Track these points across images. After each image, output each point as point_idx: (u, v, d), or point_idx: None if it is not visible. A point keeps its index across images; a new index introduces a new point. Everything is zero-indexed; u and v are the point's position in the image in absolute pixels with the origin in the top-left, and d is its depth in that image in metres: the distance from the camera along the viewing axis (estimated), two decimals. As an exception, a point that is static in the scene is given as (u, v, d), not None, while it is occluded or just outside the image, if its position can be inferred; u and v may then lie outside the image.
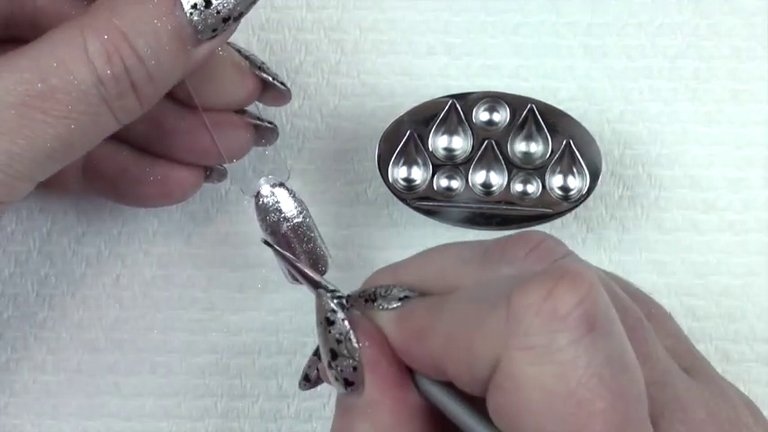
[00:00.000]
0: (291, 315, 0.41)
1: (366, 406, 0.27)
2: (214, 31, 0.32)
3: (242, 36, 0.42)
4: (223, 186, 0.42)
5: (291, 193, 0.38)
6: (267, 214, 0.37)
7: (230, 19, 0.32)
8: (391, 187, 0.40)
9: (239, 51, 0.36)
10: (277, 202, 0.37)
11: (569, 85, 0.42)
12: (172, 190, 0.38)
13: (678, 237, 0.42)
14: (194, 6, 0.31)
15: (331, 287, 0.29)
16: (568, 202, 0.40)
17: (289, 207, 0.37)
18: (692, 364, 0.27)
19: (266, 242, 0.33)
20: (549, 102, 0.40)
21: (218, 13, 0.31)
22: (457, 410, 0.26)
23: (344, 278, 0.41)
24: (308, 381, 0.33)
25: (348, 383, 0.27)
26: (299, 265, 0.30)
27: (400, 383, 0.27)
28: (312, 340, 0.41)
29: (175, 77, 0.32)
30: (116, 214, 0.42)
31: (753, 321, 0.41)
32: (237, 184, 0.38)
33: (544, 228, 0.41)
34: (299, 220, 0.37)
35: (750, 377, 0.41)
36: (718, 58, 0.42)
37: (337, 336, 0.27)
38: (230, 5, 0.31)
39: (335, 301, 0.28)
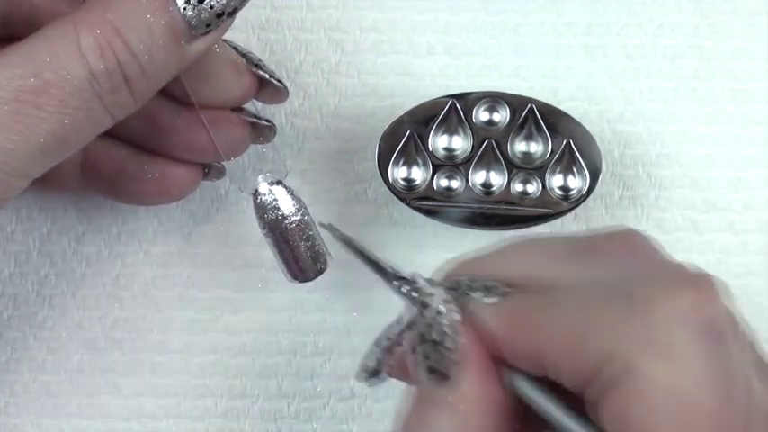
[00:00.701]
0: (291, 315, 0.41)
1: (455, 400, 0.26)
2: (208, 26, 0.32)
3: (242, 36, 0.42)
4: (223, 186, 0.42)
5: (290, 191, 0.38)
6: (265, 212, 0.37)
7: (224, 14, 0.32)
8: (391, 187, 0.40)
9: (236, 49, 0.36)
10: (275, 199, 0.37)
11: (569, 85, 0.42)
12: (170, 188, 0.38)
13: (678, 237, 0.42)
14: (188, 2, 0.31)
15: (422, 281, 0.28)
16: (568, 202, 0.40)
17: (287, 205, 0.37)
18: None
19: (327, 226, 0.31)
20: (549, 102, 0.40)
21: (211, 8, 0.31)
22: (550, 406, 0.26)
23: (344, 278, 0.41)
24: (376, 376, 0.31)
25: (443, 377, 0.26)
26: (379, 261, 0.29)
27: (493, 380, 0.27)
28: (312, 340, 0.41)
29: (169, 73, 0.32)
30: (116, 213, 0.42)
31: (753, 321, 0.41)
32: (235, 181, 0.38)
33: (544, 228, 0.41)
34: (298, 218, 0.37)
35: (750, 377, 0.41)
36: (718, 58, 0.42)
37: (445, 328, 0.26)
38: (224, 1, 0.31)
39: (442, 291, 0.27)
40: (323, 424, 0.41)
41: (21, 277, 0.42)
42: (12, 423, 0.41)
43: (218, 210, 0.42)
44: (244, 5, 0.32)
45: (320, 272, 0.38)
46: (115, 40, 0.30)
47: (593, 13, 0.42)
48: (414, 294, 0.27)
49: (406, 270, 0.28)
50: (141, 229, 0.42)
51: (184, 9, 0.31)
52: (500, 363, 0.27)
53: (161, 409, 0.41)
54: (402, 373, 0.30)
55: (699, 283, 0.24)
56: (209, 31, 0.32)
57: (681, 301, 0.24)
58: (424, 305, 0.27)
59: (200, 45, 0.32)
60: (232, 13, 0.32)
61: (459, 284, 0.27)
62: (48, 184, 0.39)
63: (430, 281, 0.27)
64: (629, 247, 0.27)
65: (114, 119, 0.32)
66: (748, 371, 0.25)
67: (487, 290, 0.27)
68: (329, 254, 0.38)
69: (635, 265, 0.26)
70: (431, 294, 0.27)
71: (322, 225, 0.32)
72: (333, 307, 0.42)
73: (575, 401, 0.26)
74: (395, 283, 0.28)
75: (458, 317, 0.26)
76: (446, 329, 0.26)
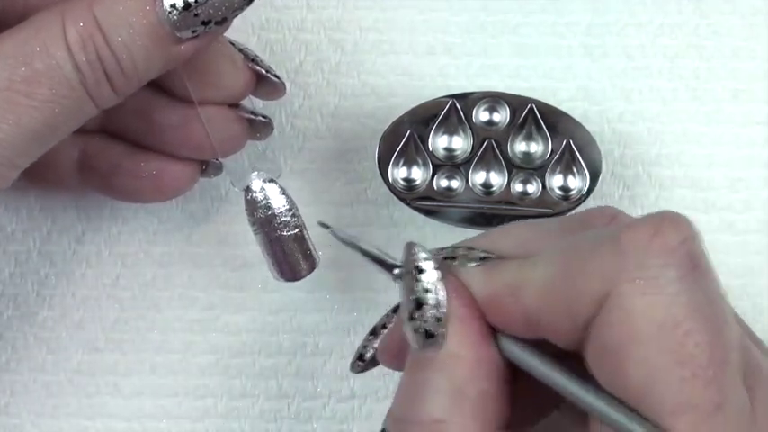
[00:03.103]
0: (291, 315, 0.41)
1: (444, 359, 0.27)
2: (194, 32, 0.31)
3: (242, 36, 0.42)
4: (223, 186, 0.42)
5: (282, 189, 0.37)
6: (256, 209, 0.37)
7: (211, 22, 0.32)
8: (391, 187, 0.40)
9: (233, 44, 0.36)
10: (266, 197, 0.37)
11: (569, 85, 0.42)
12: (166, 185, 0.38)
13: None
14: (173, 6, 0.31)
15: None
16: (568, 203, 0.40)
17: (278, 203, 0.37)
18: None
19: (321, 224, 0.32)
20: (549, 102, 0.40)
21: (196, 15, 0.31)
22: (543, 367, 0.26)
23: (344, 278, 0.41)
24: (363, 361, 0.33)
25: (429, 335, 0.27)
26: (363, 246, 0.30)
27: (482, 339, 0.27)
28: (312, 340, 0.41)
29: (152, 72, 0.32)
30: (116, 213, 0.42)
31: (753, 321, 0.41)
32: (229, 176, 0.38)
33: (544, 228, 0.41)
34: (288, 217, 0.37)
35: (750, 377, 0.41)
36: (718, 58, 0.42)
37: (426, 284, 0.27)
38: (211, 10, 0.31)
39: (425, 253, 0.28)
40: (323, 424, 0.41)
41: (21, 277, 0.42)
42: (12, 423, 0.41)
43: (218, 210, 0.42)
44: (235, 15, 0.32)
45: (308, 272, 0.37)
46: (96, 35, 0.30)
47: (593, 13, 0.42)
48: (418, 256, 0.28)
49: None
50: (141, 229, 0.42)
51: (170, 13, 0.31)
52: (493, 328, 0.27)
53: (161, 409, 0.41)
54: (391, 360, 0.30)
55: (679, 222, 0.25)
56: (197, 36, 0.32)
57: (664, 237, 0.24)
58: (420, 269, 0.28)
59: (187, 48, 0.32)
60: (221, 22, 0.32)
61: (455, 253, 0.28)
62: (45, 182, 0.39)
63: (424, 249, 0.28)
64: (617, 221, 0.28)
65: (99, 108, 0.32)
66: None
67: (478, 258, 0.28)
68: (318, 254, 0.38)
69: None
70: (418, 258, 0.28)
71: (320, 224, 0.32)
72: (333, 307, 0.42)
73: (567, 365, 0.26)
74: (395, 272, 0.29)
75: (437, 273, 0.27)
76: (428, 286, 0.27)
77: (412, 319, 0.27)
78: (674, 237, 0.24)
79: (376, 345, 0.32)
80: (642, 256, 0.24)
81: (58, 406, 0.41)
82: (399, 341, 0.29)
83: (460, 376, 0.27)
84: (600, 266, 0.25)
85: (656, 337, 0.24)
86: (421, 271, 0.27)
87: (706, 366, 0.23)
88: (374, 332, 0.33)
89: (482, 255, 0.28)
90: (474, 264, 0.28)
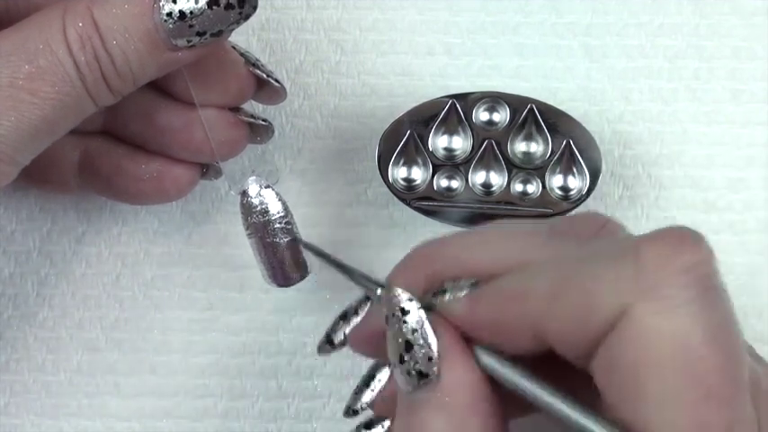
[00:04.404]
0: (291, 315, 0.41)
1: (441, 397, 0.26)
2: (189, 42, 0.32)
3: (242, 36, 0.42)
4: (223, 186, 0.42)
5: (278, 196, 0.37)
6: (250, 214, 0.37)
7: (206, 34, 0.32)
8: (391, 187, 0.40)
9: (234, 48, 0.36)
10: (262, 202, 0.37)
11: (569, 85, 0.42)
12: (167, 187, 0.38)
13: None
14: (170, 15, 0.31)
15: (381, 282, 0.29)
16: (568, 202, 0.40)
17: (274, 210, 0.37)
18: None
19: (306, 245, 0.34)
20: (549, 102, 0.40)
21: (190, 26, 0.31)
22: (536, 389, 0.26)
23: (344, 278, 0.41)
24: (332, 344, 0.32)
25: (422, 375, 0.27)
26: (350, 267, 0.31)
27: (473, 368, 0.27)
28: (312, 340, 0.41)
29: (147, 76, 0.32)
30: (116, 214, 0.42)
31: (753, 321, 0.41)
32: (226, 179, 0.38)
33: (544, 228, 0.41)
34: (282, 224, 0.37)
35: (750, 377, 0.41)
36: (718, 58, 0.42)
37: (413, 325, 0.27)
38: (206, 22, 0.31)
39: (407, 295, 0.28)
40: (323, 424, 0.41)
41: (21, 277, 0.42)
42: (12, 423, 0.41)
43: (218, 210, 0.42)
44: (232, 29, 0.32)
45: (300, 279, 0.37)
46: (94, 36, 0.31)
47: (593, 13, 0.42)
48: (399, 298, 0.28)
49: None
50: (141, 229, 0.42)
51: (165, 21, 0.31)
52: (470, 345, 0.27)
53: (161, 409, 0.41)
54: (364, 347, 0.31)
55: (697, 241, 0.25)
56: (192, 45, 0.32)
57: (683, 257, 0.24)
58: (404, 311, 0.27)
59: (183, 55, 0.32)
60: (217, 35, 0.32)
61: (444, 287, 0.28)
62: (46, 183, 0.39)
63: (404, 290, 0.28)
64: (607, 230, 0.28)
65: (97, 106, 0.32)
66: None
67: (468, 286, 0.27)
68: (309, 263, 0.38)
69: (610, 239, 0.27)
70: (400, 300, 0.27)
71: (301, 243, 0.34)
72: (333, 307, 0.41)
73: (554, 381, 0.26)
74: (378, 293, 0.29)
75: (422, 312, 0.27)
76: (414, 326, 0.27)
77: (402, 362, 0.27)
78: (693, 256, 0.24)
79: (347, 330, 0.32)
80: (662, 276, 0.24)
81: (57, 406, 0.41)
82: (373, 329, 0.29)
83: (460, 412, 0.26)
84: (617, 281, 0.24)
85: (671, 357, 0.24)
86: (405, 312, 0.27)
87: (720, 387, 0.23)
88: (345, 317, 0.32)
89: (471, 282, 0.27)
90: (465, 292, 0.27)
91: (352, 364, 0.41)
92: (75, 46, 0.30)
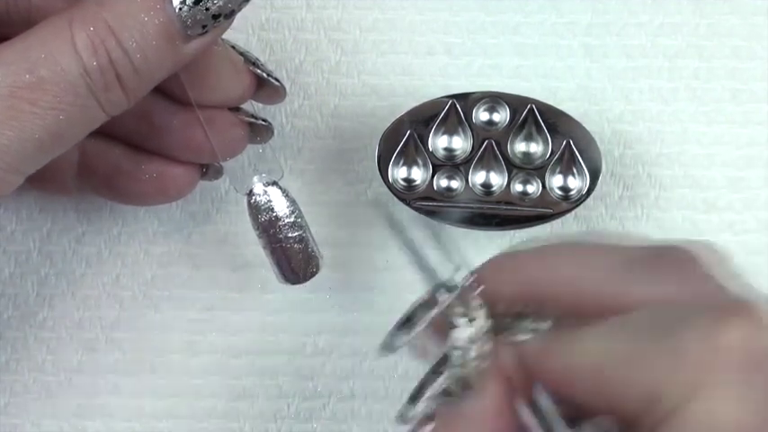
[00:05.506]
0: (291, 315, 0.41)
1: (455, 417, 0.27)
2: (204, 27, 0.31)
3: (242, 36, 0.42)
4: (223, 186, 0.42)
5: (284, 192, 0.37)
6: (259, 213, 0.37)
7: (221, 16, 0.32)
8: (391, 187, 0.40)
9: (234, 47, 0.36)
10: (269, 201, 0.37)
11: (569, 85, 0.42)
12: (167, 187, 0.38)
13: (678, 237, 0.42)
14: (183, 2, 0.31)
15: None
16: (568, 203, 0.40)
17: (281, 206, 0.37)
18: None
19: (391, 220, 0.32)
20: (549, 102, 0.40)
21: (207, 9, 0.31)
22: None
23: (344, 278, 0.41)
24: (392, 350, 0.31)
25: (447, 393, 0.27)
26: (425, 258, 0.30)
27: (500, 410, 0.27)
28: (312, 340, 0.41)
29: (163, 72, 0.32)
30: (116, 214, 0.42)
31: (753, 321, 0.41)
32: (231, 181, 0.38)
33: (544, 228, 0.41)
34: (291, 220, 0.37)
35: (750, 377, 0.41)
36: (718, 58, 0.42)
37: (473, 352, 0.27)
38: (221, 2, 0.31)
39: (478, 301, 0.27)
40: (323, 424, 0.41)
41: (21, 277, 0.42)
42: (12, 423, 0.41)
43: (218, 210, 0.42)
44: (242, 8, 0.32)
45: (312, 275, 0.37)
46: (108, 38, 0.30)
47: (593, 13, 0.42)
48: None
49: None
50: (141, 229, 0.42)
51: (180, 9, 0.31)
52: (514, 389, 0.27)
53: (161, 409, 0.41)
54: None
55: (750, 314, 0.24)
56: (206, 32, 0.32)
57: (730, 335, 0.24)
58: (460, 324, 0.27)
59: (195, 45, 0.32)
60: (230, 15, 0.32)
61: (510, 323, 0.28)
62: (46, 186, 0.39)
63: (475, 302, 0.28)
64: (694, 274, 0.27)
65: (108, 115, 0.32)
66: None
67: (535, 322, 0.27)
68: (321, 257, 0.38)
69: (687, 291, 0.26)
70: (469, 317, 0.27)
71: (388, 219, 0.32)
72: (333, 307, 0.42)
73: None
74: (441, 291, 0.28)
75: (488, 346, 0.27)
76: (474, 354, 0.27)
77: (435, 372, 0.27)
78: (741, 332, 0.24)
79: (408, 338, 0.31)
80: (737, 359, 0.24)
81: (57, 406, 0.41)
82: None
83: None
84: (692, 361, 0.24)
85: None
86: (472, 320, 0.27)
87: None
88: (410, 322, 0.30)
89: (550, 320, 0.27)
90: (545, 326, 0.27)
91: (352, 364, 0.41)
92: (86, 52, 0.30)
